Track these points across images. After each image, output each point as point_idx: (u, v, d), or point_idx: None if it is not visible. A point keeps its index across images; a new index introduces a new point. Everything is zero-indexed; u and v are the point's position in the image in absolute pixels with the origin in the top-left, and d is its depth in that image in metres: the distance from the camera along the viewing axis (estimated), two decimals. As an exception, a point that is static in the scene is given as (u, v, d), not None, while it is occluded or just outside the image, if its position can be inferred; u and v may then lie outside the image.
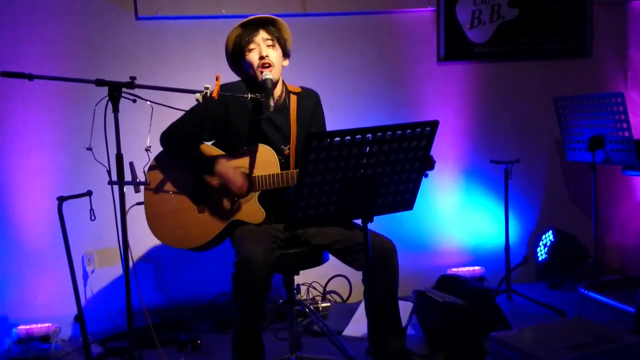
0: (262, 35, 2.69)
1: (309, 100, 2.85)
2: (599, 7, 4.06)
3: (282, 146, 2.76)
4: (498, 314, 3.03)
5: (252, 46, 2.69)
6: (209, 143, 2.84)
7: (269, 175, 2.66)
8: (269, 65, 2.67)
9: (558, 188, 4.15)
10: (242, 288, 2.47)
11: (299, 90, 2.85)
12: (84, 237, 3.43)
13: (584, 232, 3.99)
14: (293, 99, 2.81)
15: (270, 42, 2.70)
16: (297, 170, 2.61)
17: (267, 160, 2.68)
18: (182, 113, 2.73)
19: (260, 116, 2.72)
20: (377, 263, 2.54)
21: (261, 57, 2.67)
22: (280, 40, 2.73)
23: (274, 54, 2.70)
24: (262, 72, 2.67)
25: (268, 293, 2.52)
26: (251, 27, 2.70)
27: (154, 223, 2.77)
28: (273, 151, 2.69)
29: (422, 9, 3.87)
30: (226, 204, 2.72)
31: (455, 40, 3.91)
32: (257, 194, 2.69)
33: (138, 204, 2.76)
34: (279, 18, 2.75)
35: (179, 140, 2.74)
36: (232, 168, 2.68)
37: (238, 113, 2.74)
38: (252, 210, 2.69)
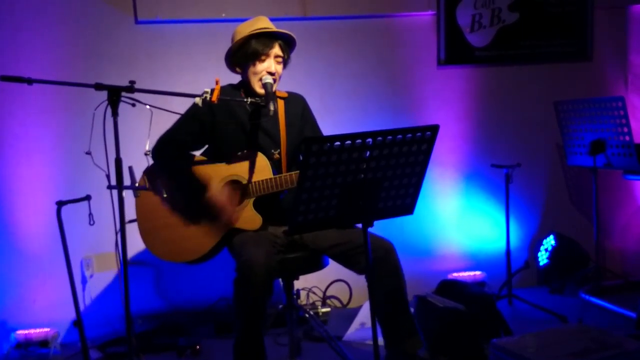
0: (275, 50, 2.71)
1: (296, 104, 2.88)
2: (600, 10, 4.06)
3: (272, 150, 2.77)
4: (499, 319, 3.02)
5: (264, 57, 2.70)
6: (199, 153, 2.83)
7: (263, 181, 2.65)
8: (274, 81, 2.72)
9: (559, 192, 4.14)
10: (245, 292, 2.45)
11: (285, 95, 2.88)
12: (83, 242, 3.42)
13: (585, 236, 3.98)
14: (280, 103, 2.83)
15: (279, 59, 2.73)
16: (290, 173, 2.62)
17: (259, 166, 2.68)
18: (179, 117, 2.74)
19: (259, 120, 2.72)
20: (378, 264, 2.53)
21: (270, 73, 2.69)
22: (285, 59, 2.76)
23: (280, 70, 2.75)
24: (260, 80, 2.70)
25: (270, 297, 2.51)
26: (268, 37, 2.70)
27: (149, 239, 2.77)
28: (264, 156, 2.69)
29: (422, 12, 3.87)
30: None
31: (456, 44, 3.91)
32: (251, 200, 2.67)
33: (130, 221, 2.71)
34: (293, 37, 2.76)
35: (171, 152, 2.74)
36: (224, 198, 2.64)
37: (226, 118, 2.75)
38: (248, 217, 2.67)
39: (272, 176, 2.65)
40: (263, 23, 2.74)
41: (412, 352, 2.64)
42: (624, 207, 4.20)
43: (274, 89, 2.74)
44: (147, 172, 2.78)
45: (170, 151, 2.74)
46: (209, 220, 2.69)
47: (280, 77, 2.77)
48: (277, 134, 2.78)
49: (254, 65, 2.70)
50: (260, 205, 2.68)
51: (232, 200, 2.68)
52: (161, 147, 2.75)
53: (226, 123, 2.74)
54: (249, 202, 2.67)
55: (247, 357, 2.54)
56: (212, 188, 2.67)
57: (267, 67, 2.69)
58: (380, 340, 2.31)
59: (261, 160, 2.68)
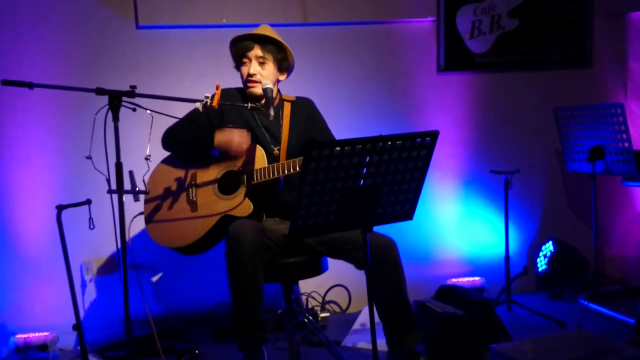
0: (255, 52, 2.78)
1: (303, 108, 2.93)
2: (599, 17, 4.07)
3: (272, 146, 2.82)
4: (498, 325, 3.02)
5: (245, 60, 2.79)
6: None
7: (258, 170, 2.70)
8: (258, 82, 2.78)
9: (558, 198, 4.15)
10: (234, 263, 2.50)
11: (293, 99, 2.94)
12: (83, 246, 3.42)
13: (584, 242, 3.98)
14: (287, 106, 2.89)
15: (261, 60, 2.78)
16: (285, 162, 2.66)
17: (256, 157, 2.73)
18: (187, 113, 2.83)
19: (261, 126, 2.76)
20: (378, 260, 2.54)
21: (249, 75, 2.78)
22: (275, 58, 2.80)
23: (265, 71, 2.79)
24: (248, 88, 2.79)
25: (262, 271, 2.54)
26: (248, 41, 2.80)
27: (151, 225, 2.81)
28: (260, 147, 2.74)
29: (422, 19, 3.88)
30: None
31: (455, 50, 3.92)
32: (245, 188, 2.72)
33: (140, 214, 2.80)
34: (277, 38, 2.81)
35: (180, 138, 2.83)
36: (232, 133, 2.74)
37: (232, 116, 2.83)
38: (239, 203, 2.71)
39: (266, 165, 2.70)
40: (260, 30, 2.82)
41: (411, 347, 2.66)
42: (623, 213, 4.20)
43: (275, 91, 2.81)
44: (158, 164, 2.87)
45: (181, 135, 2.83)
46: (203, 207, 2.74)
47: (269, 76, 2.79)
48: (279, 133, 2.84)
49: (239, 70, 2.83)
50: (256, 199, 2.72)
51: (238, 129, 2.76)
52: (172, 132, 2.84)
53: (232, 121, 2.82)
54: (242, 190, 2.72)
55: (246, 333, 2.55)
56: (220, 132, 2.76)
57: (247, 70, 2.78)
58: (379, 345, 2.31)
59: (258, 151, 2.74)
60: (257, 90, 2.79)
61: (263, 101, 2.71)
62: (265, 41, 2.79)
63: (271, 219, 2.81)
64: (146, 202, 2.84)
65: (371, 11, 3.81)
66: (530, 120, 4.05)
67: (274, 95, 2.85)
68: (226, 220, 2.71)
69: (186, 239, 2.76)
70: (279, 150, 2.83)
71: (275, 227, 2.76)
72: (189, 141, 2.82)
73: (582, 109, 3.57)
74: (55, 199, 3.04)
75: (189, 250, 2.81)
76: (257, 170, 2.71)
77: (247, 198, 2.71)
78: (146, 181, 2.78)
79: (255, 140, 2.80)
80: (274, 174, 2.67)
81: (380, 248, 2.57)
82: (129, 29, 3.54)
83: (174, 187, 2.83)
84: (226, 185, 2.79)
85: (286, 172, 2.64)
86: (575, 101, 3.86)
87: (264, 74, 2.79)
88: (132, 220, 2.35)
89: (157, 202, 2.83)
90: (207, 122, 2.83)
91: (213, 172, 2.80)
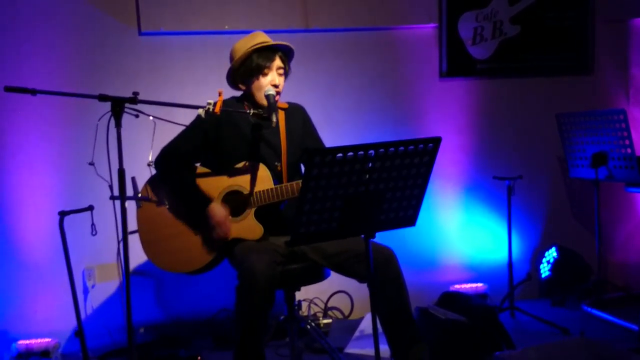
0: (277, 63, 2.74)
1: (297, 115, 2.89)
2: (601, 24, 4.07)
3: (276, 163, 2.77)
4: (501, 332, 3.01)
5: (267, 70, 2.72)
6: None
7: (264, 191, 2.66)
8: (277, 93, 2.74)
9: (561, 204, 4.14)
10: (246, 300, 2.45)
11: (285, 106, 2.88)
12: (85, 252, 3.42)
13: (587, 249, 3.97)
14: (281, 114, 2.83)
15: (281, 71, 2.76)
16: (291, 183, 2.62)
17: (260, 176, 2.69)
18: (184, 128, 2.75)
19: (261, 132, 2.74)
20: (379, 272, 2.52)
21: (274, 85, 2.72)
22: (286, 71, 2.79)
23: (282, 82, 2.77)
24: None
25: (272, 306, 2.51)
26: (269, 51, 2.73)
27: (150, 250, 2.76)
28: (265, 167, 2.70)
29: (424, 25, 3.89)
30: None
31: (457, 56, 3.92)
32: (253, 210, 2.68)
33: (131, 232, 2.68)
34: (291, 47, 2.78)
35: (173, 164, 2.75)
36: (220, 219, 2.65)
37: (230, 129, 2.76)
38: (249, 227, 2.67)
39: (273, 186, 2.66)
40: (261, 38, 2.77)
41: (419, 359, 2.63)
42: (626, 219, 4.19)
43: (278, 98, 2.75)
44: (150, 182, 2.79)
45: (173, 163, 2.75)
46: (205, 234, 2.70)
47: (282, 89, 2.78)
48: (279, 146, 2.79)
49: (258, 79, 2.72)
50: (261, 215, 2.69)
51: (228, 217, 2.68)
52: (164, 159, 2.76)
53: (230, 135, 2.76)
54: (251, 212, 2.68)
55: None
56: (211, 206, 2.67)
57: (271, 80, 2.71)
58: (382, 352, 2.30)
59: (262, 170, 2.69)
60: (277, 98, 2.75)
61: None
62: (283, 52, 2.77)
63: (277, 237, 2.74)
64: (140, 223, 2.76)
65: (373, 17, 3.81)
66: (532, 127, 4.05)
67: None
68: (233, 241, 2.69)
69: (190, 266, 2.72)
70: (281, 166, 2.78)
71: (280, 241, 2.71)
72: (180, 192, 2.74)
73: (584, 115, 3.57)
74: (57, 205, 3.05)
75: (194, 273, 2.77)
76: (263, 191, 2.65)
77: (256, 221, 2.66)
78: (140, 188, 2.73)
79: (256, 154, 2.74)
80: (281, 196, 2.63)
81: (380, 260, 2.54)
82: (132, 35, 3.55)
83: (171, 204, 2.75)
84: (228, 202, 2.72)
85: (296, 194, 2.57)
86: (578, 107, 3.86)
87: (282, 85, 2.76)
88: (130, 233, 2.33)
89: (154, 223, 2.75)
90: (203, 143, 2.75)
91: (215, 190, 2.72)
